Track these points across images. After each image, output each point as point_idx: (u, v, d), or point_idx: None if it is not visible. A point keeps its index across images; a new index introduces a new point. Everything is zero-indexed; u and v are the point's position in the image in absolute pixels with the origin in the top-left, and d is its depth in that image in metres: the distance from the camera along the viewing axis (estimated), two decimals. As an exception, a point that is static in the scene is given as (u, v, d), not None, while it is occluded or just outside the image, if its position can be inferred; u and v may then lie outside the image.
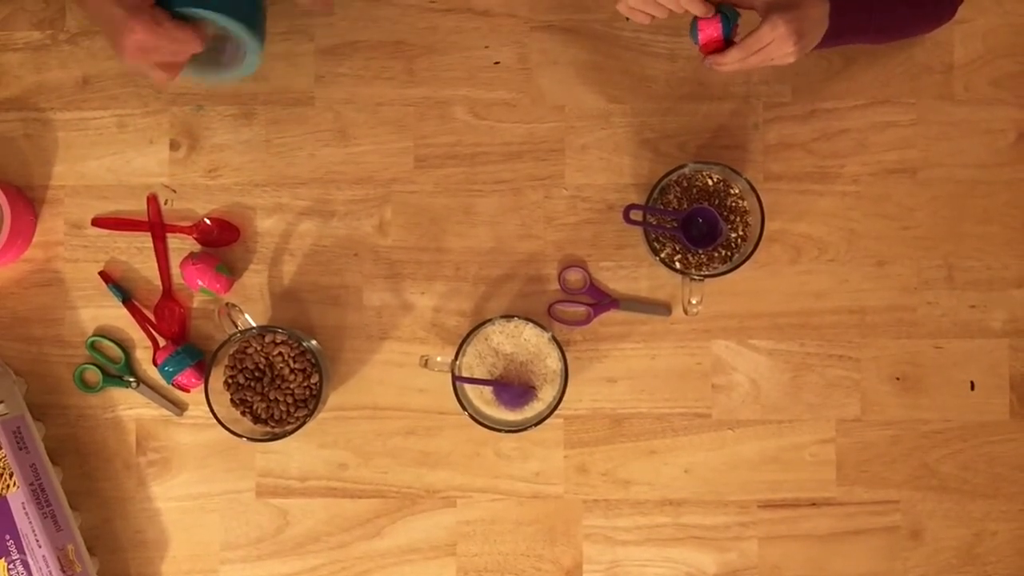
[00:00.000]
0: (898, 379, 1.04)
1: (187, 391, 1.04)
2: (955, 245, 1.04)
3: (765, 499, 1.04)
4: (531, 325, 0.97)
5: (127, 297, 1.04)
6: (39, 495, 0.97)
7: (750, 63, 0.88)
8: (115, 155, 1.06)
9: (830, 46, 0.91)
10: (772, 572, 1.03)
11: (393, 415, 1.04)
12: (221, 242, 1.05)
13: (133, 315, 1.04)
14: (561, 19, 1.05)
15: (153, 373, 1.04)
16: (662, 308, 1.04)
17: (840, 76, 1.04)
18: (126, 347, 1.05)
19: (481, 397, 0.99)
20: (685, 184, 1.00)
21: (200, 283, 1.01)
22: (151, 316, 1.04)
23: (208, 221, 1.04)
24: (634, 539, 1.04)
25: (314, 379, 0.99)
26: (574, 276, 1.05)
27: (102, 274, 1.05)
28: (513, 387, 0.98)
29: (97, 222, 1.05)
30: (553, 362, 0.98)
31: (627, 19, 0.89)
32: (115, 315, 1.05)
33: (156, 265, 1.05)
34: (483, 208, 1.05)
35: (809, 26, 0.87)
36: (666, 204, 1.00)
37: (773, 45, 0.86)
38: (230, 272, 1.03)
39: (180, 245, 1.05)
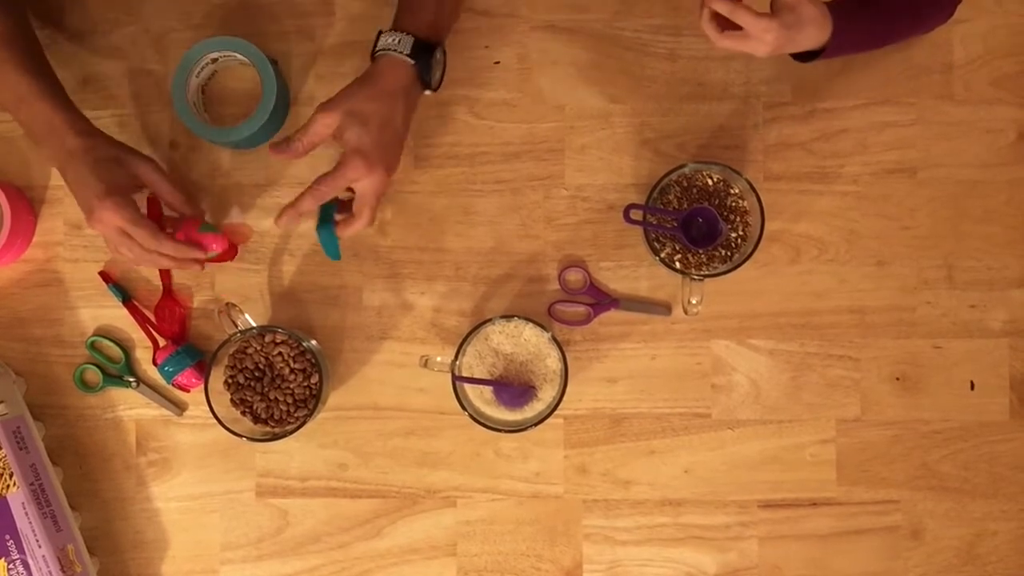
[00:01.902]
0: (898, 379, 1.04)
1: (187, 391, 1.04)
2: (955, 245, 1.04)
3: (765, 499, 1.03)
4: (531, 325, 0.97)
5: (127, 297, 1.04)
6: (39, 495, 0.97)
7: (728, 28, 0.86)
8: (115, 155, 1.05)
9: (829, 57, 0.91)
10: (772, 572, 1.03)
11: (393, 415, 1.04)
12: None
13: (133, 315, 1.04)
14: (561, 19, 1.05)
15: (153, 373, 1.04)
16: (662, 308, 1.04)
17: (840, 76, 1.04)
18: (126, 347, 1.05)
19: (481, 397, 0.99)
20: (685, 184, 1.00)
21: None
22: (151, 316, 1.04)
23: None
24: (634, 539, 1.04)
25: (314, 379, 0.99)
26: (574, 276, 1.05)
27: (102, 274, 1.05)
28: (513, 387, 0.98)
29: (97, 222, 1.05)
30: (553, 362, 0.98)
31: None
32: (115, 315, 1.05)
33: (156, 265, 1.05)
34: (483, 208, 1.05)
35: (792, 46, 0.87)
36: (666, 204, 1.00)
37: (753, 40, 0.85)
38: (214, 228, 0.99)
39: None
